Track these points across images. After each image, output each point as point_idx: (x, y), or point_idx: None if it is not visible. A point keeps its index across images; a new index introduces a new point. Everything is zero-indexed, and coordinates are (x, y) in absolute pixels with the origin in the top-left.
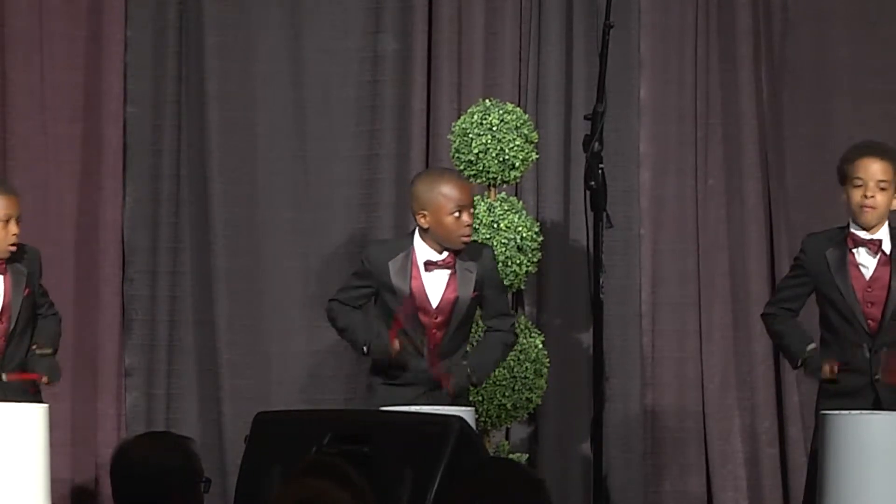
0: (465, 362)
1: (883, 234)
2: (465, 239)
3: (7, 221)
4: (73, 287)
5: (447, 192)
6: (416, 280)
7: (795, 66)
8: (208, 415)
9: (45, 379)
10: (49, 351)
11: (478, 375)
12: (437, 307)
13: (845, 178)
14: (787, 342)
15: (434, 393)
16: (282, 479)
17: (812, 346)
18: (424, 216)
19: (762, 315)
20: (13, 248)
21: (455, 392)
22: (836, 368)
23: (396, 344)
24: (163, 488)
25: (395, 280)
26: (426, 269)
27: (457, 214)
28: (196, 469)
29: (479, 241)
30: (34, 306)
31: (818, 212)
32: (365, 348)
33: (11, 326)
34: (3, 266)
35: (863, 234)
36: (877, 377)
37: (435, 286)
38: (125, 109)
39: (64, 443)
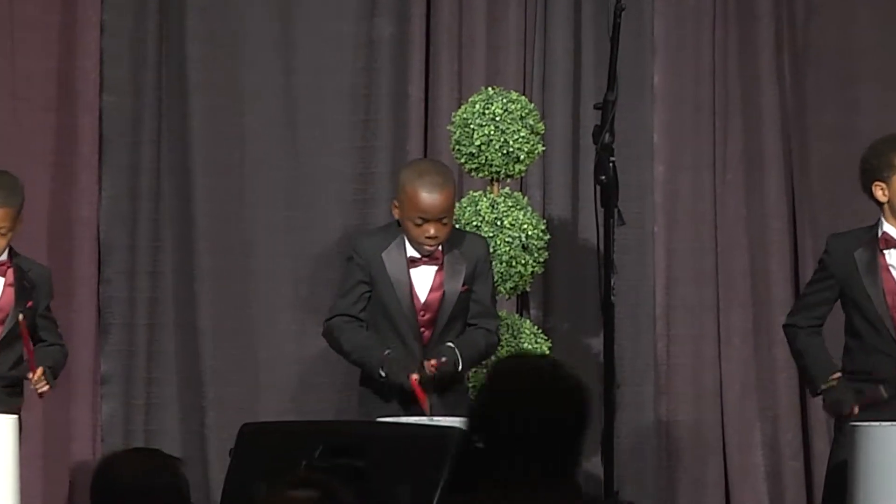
0: (451, 344)
1: None
2: (428, 249)
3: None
4: None
5: (413, 197)
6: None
7: (819, 51)
8: (190, 426)
9: (40, 375)
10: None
11: (464, 362)
12: (425, 303)
13: (886, 172)
14: (809, 365)
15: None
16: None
17: (836, 374)
18: (396, 208)
19: (784, 326)
20: None
21: (440, 376)
22: (856, 410)
23: (415, 377)
24: None
25: (393, 272)
26: (411, 265)
27: (419, 223)
28: (184, 495)
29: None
30: (34, 325)
31: (845, 207)
32: (382, 372)
33: (3, 334)
34: (7, 269)
35: None
36: None
37: (421, 281)
38: (101, 98)
39: (35, 455)
